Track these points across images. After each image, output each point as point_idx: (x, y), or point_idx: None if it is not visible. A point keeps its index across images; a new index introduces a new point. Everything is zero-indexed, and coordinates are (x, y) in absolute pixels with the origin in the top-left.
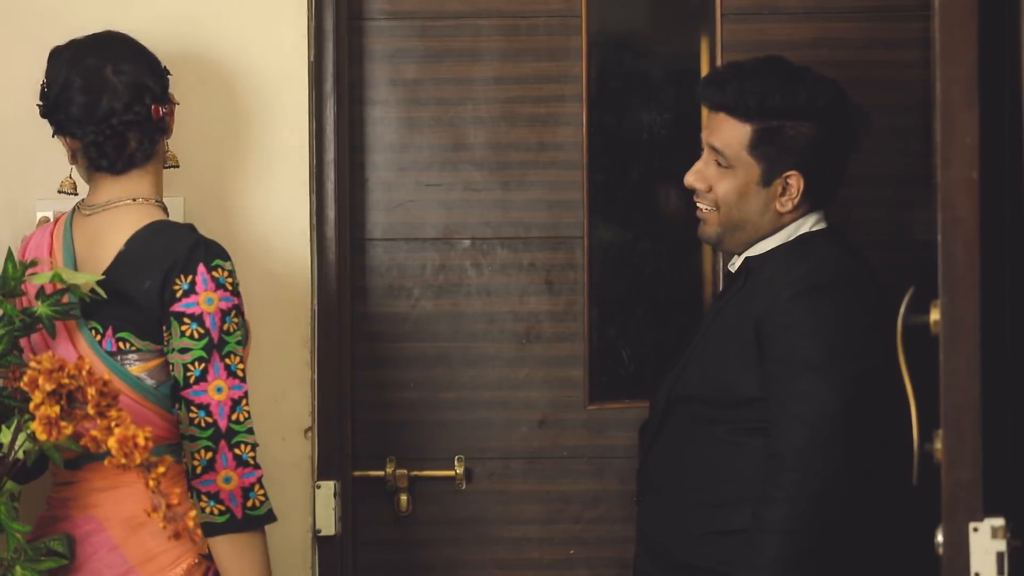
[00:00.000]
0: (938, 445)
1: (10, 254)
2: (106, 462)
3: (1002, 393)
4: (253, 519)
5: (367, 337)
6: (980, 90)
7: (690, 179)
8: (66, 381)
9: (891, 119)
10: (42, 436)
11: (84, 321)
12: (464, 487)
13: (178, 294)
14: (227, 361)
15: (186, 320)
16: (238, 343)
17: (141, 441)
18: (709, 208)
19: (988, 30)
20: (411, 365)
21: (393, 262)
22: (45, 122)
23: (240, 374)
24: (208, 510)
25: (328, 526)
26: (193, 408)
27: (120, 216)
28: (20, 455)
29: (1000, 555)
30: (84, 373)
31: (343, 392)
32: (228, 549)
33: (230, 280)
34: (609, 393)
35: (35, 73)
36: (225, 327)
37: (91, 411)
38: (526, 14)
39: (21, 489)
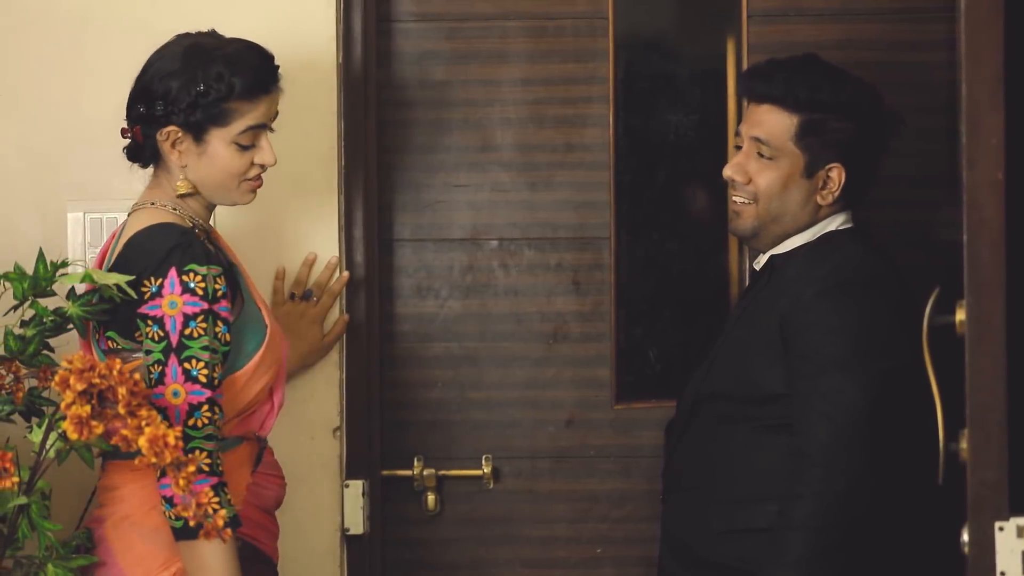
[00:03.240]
0: (964, 445)
1: (41, 255)
2: (136, 461)
3: None
4: (231, 531)
5: (395, 337)
6: (1005, 91)
7: (729, 171)
8: (97, 381)
9: (916, 120)
10: (73, 435)
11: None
12: (492, 486)
13: (146, 296)
14: (186, 365)
15: (149, 322)
16: (203, 348)
17: (171, 440)
18: (746, 201)
19: (1013, 30)
20: (439, 365)
21: (421, 262)
22: (75, 124)
23: (203, 379)
24: (166, 515)
25: (356, 525)
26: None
27: (136, 218)
28: (51, 454)
29: None
30: (115, 373)
31: (371, 392)
32: (187, 556)
33: (202, 285)
34: (636, 393)
35: (64, 76)
36: (187, 331)
37: (122, 410)
38: (553, 16)
39: (52, 487)
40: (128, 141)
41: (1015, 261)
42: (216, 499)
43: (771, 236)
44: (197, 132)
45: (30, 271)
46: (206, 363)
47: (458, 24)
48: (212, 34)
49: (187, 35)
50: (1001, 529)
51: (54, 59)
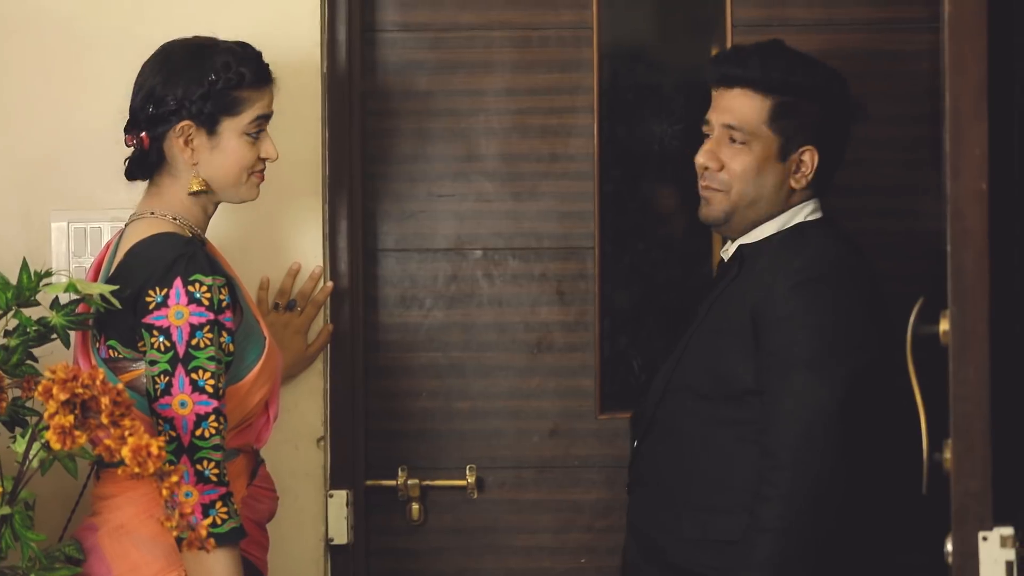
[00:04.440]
0: (947, 454)
1: (25, 264)
2: (120, 471)
3: (1011, 402)
4: (213, 537)
5: (379, 347)
6: (989, 100)
7: (701, 159)
8: (80, 391)
9: (900, 130)
10: (56, 445)
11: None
12: (476, 496)
13: (151, 306)
14: (193, 376)
15: (155, 332)
16: (210, 359)
17: (155, 450)
18: (718, 188)
19: (997, 40)
20: (423, 375)
21: (405, 272)
22: (60, 134)
23: (210, 390)
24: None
25: (340, 535)
26: (160, 421)
27: (135, 227)
28: (35, 464)
29: (1009, 564)
30: (98, 383)
31: (355, 401)
32: (192, 566)
33: (207, 295)
34: (620, 403)
35: (49, 85)
36: (194, 342)
37: (105, 420)
38: (538, 26)
39: (36, 497)
40: (128, 155)
41: (999, 269)
42: (225, 510)
43: (744, 221)
44: (210, 124)
45: (13, 281)
46: (212, 373)
47: (443, 34)
48: (198, 36)
49: (175, 40)
50: (985, 539)
51: (39, 68)
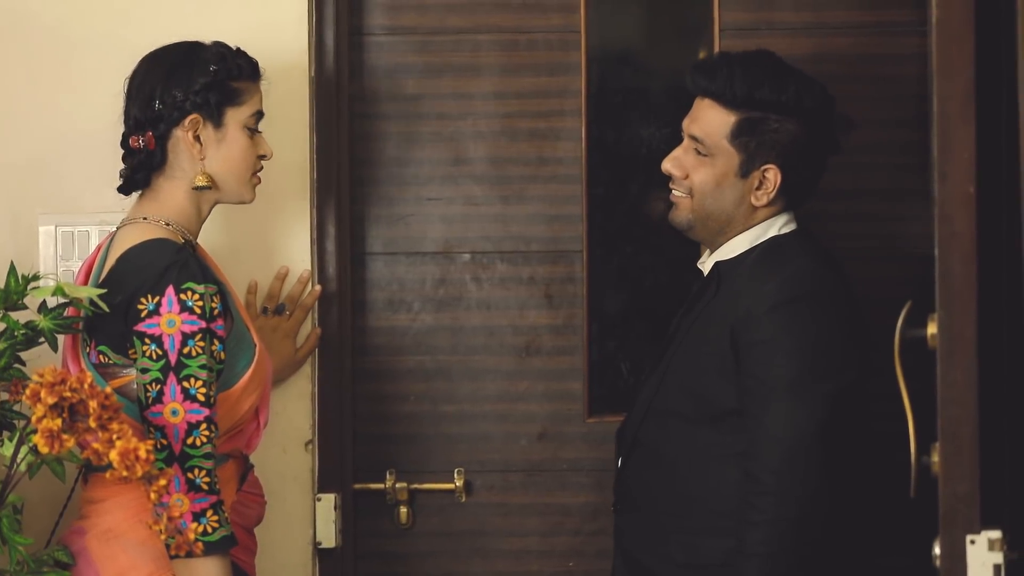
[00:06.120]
0: (935, 458)
1: (12, 268)
2: (108, 475)
3: (999, 405)
4: (203, 545)
5: (367, 350)
6: (976, 103)
7: (667, 165)
8: (68, 394)
9: (888, 133)
10: (44, 449)
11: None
12: (464, 500)
13: (143, 313)
14: (185, 384)
15: (147, 340)
16: (201, 367)
17: (143, 454)
18: (683, 194)
19: (984, 44)
20: (411, 378)
21: (393, 276)
22: (48, 137)
23: (201, 398)
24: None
25: (328, 538)
26: (151, 429)
27: (127, 232)
28: (23, 468)
29: (997, 567)
30: (86, 386)
31: (343, 405)
32: (183, 573)
33: (199, 304)
34: (608, 406)
35: (37, 89)
36: (186, 350)
37: (93, 424)
38: (525, 29)
39: (24, 501)
40: (121, 162)
41: (986, 272)
42: (216, 518)
43: (708, 231)
44: (217, 116)
45: (1, 284)
46: (204, 382)
47: (430, 37)
48: (179, 41)
49: (160, 47)
50: (973, 542)
51: (27, 71)
